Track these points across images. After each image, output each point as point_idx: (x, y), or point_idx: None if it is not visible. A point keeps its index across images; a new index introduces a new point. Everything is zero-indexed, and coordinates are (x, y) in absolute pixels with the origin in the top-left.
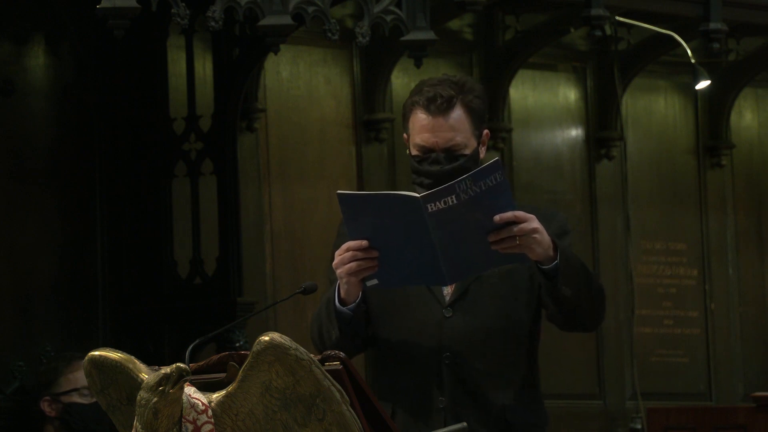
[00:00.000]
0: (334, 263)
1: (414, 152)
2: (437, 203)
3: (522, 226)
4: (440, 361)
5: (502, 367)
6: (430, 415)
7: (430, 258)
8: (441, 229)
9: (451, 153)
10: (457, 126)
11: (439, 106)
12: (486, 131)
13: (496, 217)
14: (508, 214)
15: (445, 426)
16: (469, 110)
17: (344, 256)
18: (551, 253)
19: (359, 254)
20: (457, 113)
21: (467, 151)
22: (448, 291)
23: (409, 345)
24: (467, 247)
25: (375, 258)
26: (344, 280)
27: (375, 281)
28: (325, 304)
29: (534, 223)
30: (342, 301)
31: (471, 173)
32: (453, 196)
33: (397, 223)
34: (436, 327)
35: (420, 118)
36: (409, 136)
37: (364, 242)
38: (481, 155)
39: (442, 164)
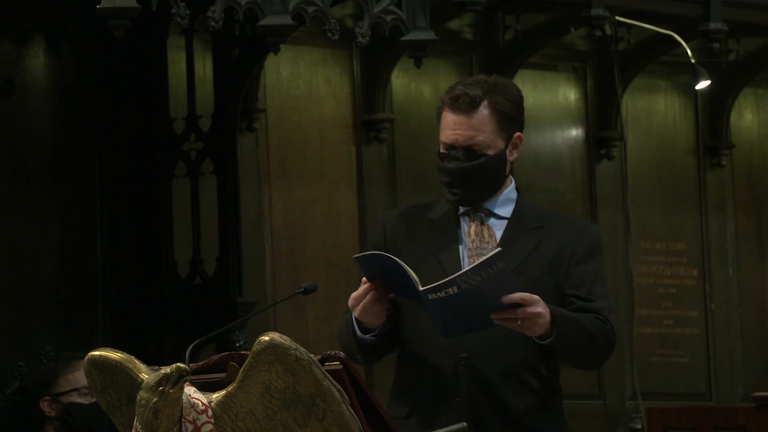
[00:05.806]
0: (349, 303)
1: (441, 150)
2: (438, 293)
3: (528, 310)
4: (457, 362)
5: (519, 371)
6: (446, 414)
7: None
8: (440, 310)
9: (471, 151)
10: (479, 125)
11: (461, 105)
12: (518, 134)
13: (505, 299)
14: (516, 296)
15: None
16: (496, 111)
17: (357, 295)
18: (548, 327)
19: (372, 293)
20: (482, 113)
21: (490, 152)
22: None
23: (428, 344)
24: (465, 320)
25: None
26: (365, 318)
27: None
28: (345, 328)
29: (539, 307)
30: (365, 330)
31: (472, 267)
32: (455, 287)
33: (405, 286)
34: None
35: (446, 116)
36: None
37: (377, 281)
38: (511, 158)
39: (460, 161)
